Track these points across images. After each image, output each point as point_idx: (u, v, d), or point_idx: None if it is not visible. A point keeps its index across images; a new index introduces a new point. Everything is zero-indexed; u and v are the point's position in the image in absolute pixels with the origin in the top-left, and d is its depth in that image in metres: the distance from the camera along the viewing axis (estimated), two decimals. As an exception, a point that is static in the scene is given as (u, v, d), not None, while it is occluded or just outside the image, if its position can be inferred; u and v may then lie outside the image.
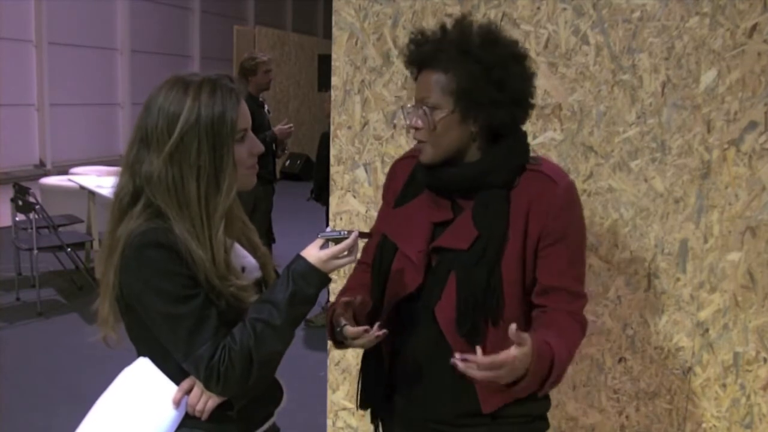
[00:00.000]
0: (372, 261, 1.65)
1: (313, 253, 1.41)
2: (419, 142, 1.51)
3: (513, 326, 1.31)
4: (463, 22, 1.50)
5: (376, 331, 1.44)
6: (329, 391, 2.48)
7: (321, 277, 1.40)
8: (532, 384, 1.39)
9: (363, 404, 1.71)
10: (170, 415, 1.42)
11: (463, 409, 1.55)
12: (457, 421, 1.57)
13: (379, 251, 1.62)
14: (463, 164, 1.52)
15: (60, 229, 5.60)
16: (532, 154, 1.57)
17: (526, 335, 1.33)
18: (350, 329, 1.46)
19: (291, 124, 5.14)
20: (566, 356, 1.44)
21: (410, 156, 1.68)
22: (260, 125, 4.75)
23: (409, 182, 1.64)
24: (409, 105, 1.56)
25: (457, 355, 1.33)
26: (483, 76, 1.45)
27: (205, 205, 1.36)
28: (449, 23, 1.52)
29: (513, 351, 1.32)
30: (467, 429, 1.57)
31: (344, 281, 2.36)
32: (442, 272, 1.52)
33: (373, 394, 1.67)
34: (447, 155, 1.51)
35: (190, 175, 1.35)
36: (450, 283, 1.50)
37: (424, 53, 1.49)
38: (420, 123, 1.49)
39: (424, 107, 1.48)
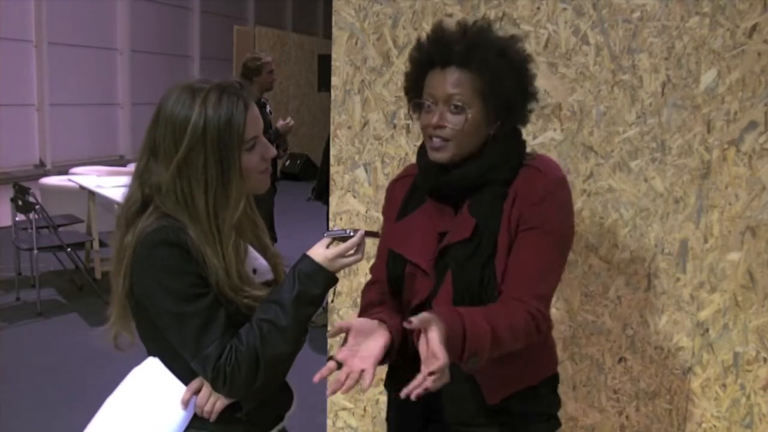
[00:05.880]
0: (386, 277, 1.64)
1: (319, 252, 1.40)
2: (442, 140, 1.48)
3: (407, 323, 1.29)
4: (482, 26, 1.50)
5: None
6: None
7: (327, 277, 1.39)
8: (452, 349, 1.32)
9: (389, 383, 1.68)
10: (178, 415, 1.42)
11: (473, 409, 1.54)
12: (471, 422, 1.57)
13: (389, 267, 1.61)
14: (466, 164, 1.51)
15: (60, 229, 5.60)
16: (528, 151, 1.58)
17: (420, 315, 1.29)
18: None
19: (291, 119, 5.13)
20: (483, 323, 1.36)
21: (405, 176, 1.69)
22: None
23: (409, 197, 1.63)
24: (426, 102, 1.51)
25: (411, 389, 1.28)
26: (516, 79, 1.47)
27: (214, 218, 1.36)
28: (469, 24, 1.51)
29: (430, 335, 1.29)
30: (481, 429, 1.57)
31: (343, 282, 2.37)
32: (442, 270, 1.52)
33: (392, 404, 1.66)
34: (464, 155, 1.50)
35: (198, 187, 1.35)
36: (447, 279, 1.50)
37: (454, 52, 1.47)
38: (448, 121, 1.47)
39: (454, 105, 1.46)
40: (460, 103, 1.46)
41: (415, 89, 1.56)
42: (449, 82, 1.47)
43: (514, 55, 1.50)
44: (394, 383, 1.64)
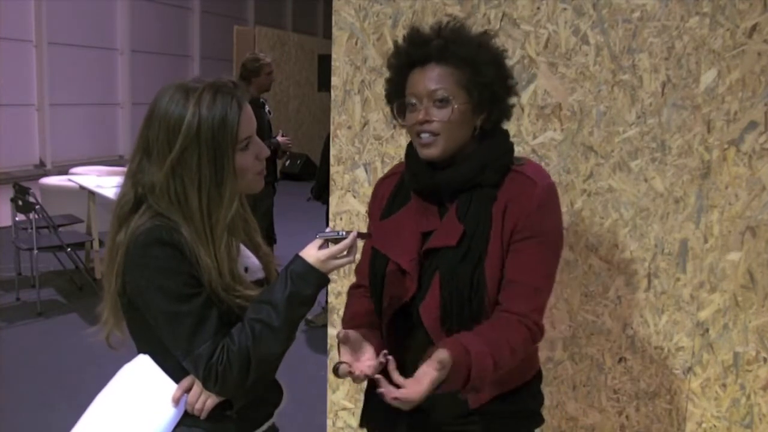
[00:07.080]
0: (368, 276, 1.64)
1: (311, 253, 1.40)
2: (431, 134, 1.48)
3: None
4: (455, 24, 1.52)
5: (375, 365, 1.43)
6: (329, 391, 2.48)
7: (319, 278, 1.39)
8: (452, 387, 1.40)
9: (365, 422, 1.69)
10: (169, 412, 1.42)
11: (456, 409, 1.54)
12: (452, 421, 1.57)
13: (372, 265, 1.61)
14: (457, 164, 1.51)
15: (60, 229, 5.60)
16: (516, 155, 1.58)
17: (444, 358, 1.34)
18: (345, 369, 1.45)
19: (291, 142, 5.28)
20: (489, 363, 1.41)
21: (393, 174, 1.69)
22: (261, 127, 4.77)
23: (394, 194, 1.63)
24: (410, 101, 1.51)
25: (383, 390, 1.34)
26: (496, 68, 1.49)
27: (207, 218, 1.36)
28: (443, 24, 1.53)
29: (433, 374, 1.34)
30: (462, 428, 1.57)
31: (343, 281, 2.37)
32: (429, 273, 1.52)
33: (375, 410, 1.64)
34: (454, 150, 1.50)
35: (192, 187, 1.35)
36: (435, 282, 1.50)
37: (432, 48, 1.48)
38: (434, 115, 1.47)
39: (438, 99, 1.47)
40: (444, 95, 1.47)
41: (396, 93, 1.56)
42: (430, 78, 1.48)
43: (491, 47, 1.52)
44: (367, 420, 1.69)
